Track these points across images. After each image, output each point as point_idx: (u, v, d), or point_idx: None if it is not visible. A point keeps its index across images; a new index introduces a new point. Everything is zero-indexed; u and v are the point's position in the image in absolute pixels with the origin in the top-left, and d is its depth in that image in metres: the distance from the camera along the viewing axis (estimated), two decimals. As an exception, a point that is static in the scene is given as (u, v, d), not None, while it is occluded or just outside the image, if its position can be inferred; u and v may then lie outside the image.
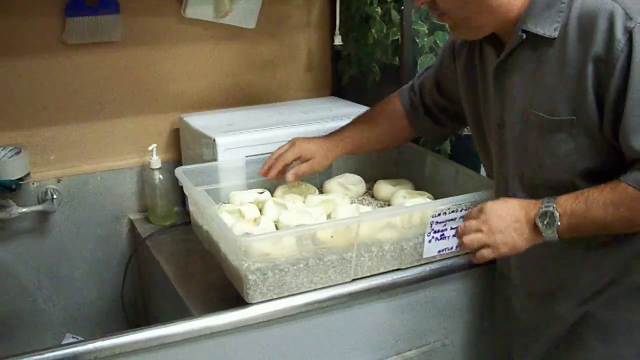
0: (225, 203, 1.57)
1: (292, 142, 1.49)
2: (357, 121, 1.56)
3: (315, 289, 1.28)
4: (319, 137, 1.52)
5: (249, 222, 1.38)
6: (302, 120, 1.74)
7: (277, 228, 1.37)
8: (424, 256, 1.38)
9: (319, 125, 1.70)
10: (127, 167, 1.87)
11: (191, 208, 1.53)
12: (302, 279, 1.26)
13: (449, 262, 1.41)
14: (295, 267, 1.25)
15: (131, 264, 1.85)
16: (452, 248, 1.38)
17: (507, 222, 1.12)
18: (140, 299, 1.97)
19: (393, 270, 1.37)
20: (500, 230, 1.12)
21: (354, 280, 1.33)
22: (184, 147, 1.87)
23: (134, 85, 1.83)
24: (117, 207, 1.88)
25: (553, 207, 1.09)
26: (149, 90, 1.85)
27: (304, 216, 1.37)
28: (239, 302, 1.25)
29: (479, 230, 1.14)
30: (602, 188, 1.07)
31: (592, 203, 1.07)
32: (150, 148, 1.78)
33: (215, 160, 1.61)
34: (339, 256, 1.29)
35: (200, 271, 1.52)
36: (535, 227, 1.11)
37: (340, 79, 2.07)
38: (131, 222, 1.89)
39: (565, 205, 1.09)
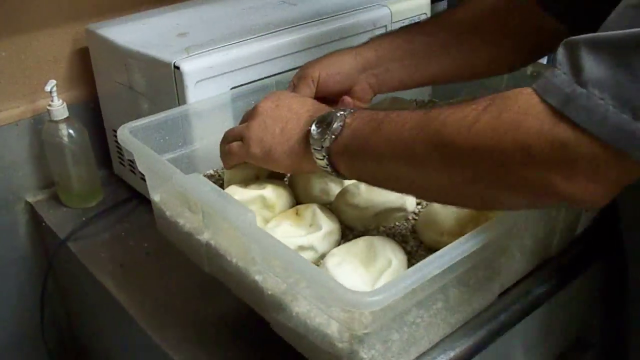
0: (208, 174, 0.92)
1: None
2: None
3: (456, 330, 0.72)
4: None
5: (297, 227, 0.77)
6: (288, 21, 1.07)
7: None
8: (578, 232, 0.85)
9: (320, 28, 1.05)
10: (10, 121, 1.12)
11: (156, 199, 0.87)
12: (439, 322, 0.69)
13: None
14: (434, 308, 0.67)
15: (46, 280, 1.16)
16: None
17: (280, 112, 0.77)
18: (66, 332, 1.29)
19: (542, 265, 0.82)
20: (262, 121, 0.77)
21: (500, 295, 0.77)
22: (100, 79, 1.15)
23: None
24: (3, 185, 1.16)
25: (343, 113, 0.70)
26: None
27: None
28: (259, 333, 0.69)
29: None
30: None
31: (397, 119, 0.65)
32: (47, 87, 1.05)
33: (177, 101, 0.94)
34: (488, 268, 0.72)
35: (175, 287, 0.90)
36: (307, 134, 0.72)
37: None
38: (31, 208, 1.18)
39: (361, 116, 0.69)
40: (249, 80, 0.98)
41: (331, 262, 0.69)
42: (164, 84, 0.95)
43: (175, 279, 0.93)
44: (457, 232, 0.72)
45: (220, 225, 0.73)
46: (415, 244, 0.77)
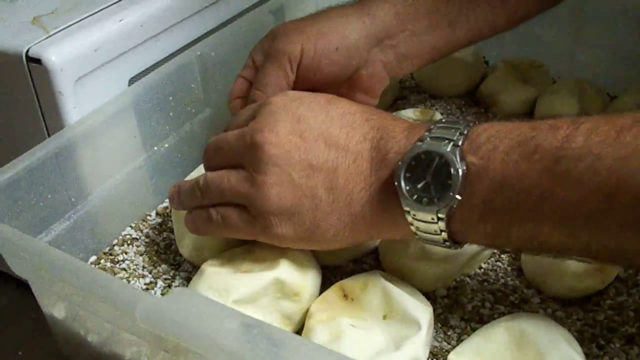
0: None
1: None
2: None
3: None
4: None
5: (366, 329, 0.42)
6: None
7: None
8: None
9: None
10: None
11: (58, 315, 0.46)
12: None
13: None
14: None
15: None
16: None
17: (312, 146, 0.43)
18: None
19: None
20: (283, 170, 0.42)
21: None
22: None
23: None
24: None
25: (452, 139, 0.39)
26: None
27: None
28: None
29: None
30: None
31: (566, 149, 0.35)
32: None
33: (43, 123, 0.53)
34: None
35: None
36: (385, 187, 0.41)
37: None
38: None
39: (501, 140, 0.38)
40: (154, 61, 0.58)
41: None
42: (12, 95, 0.52)
43: None
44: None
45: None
46: (531, 293, 0.48)
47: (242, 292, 0.43)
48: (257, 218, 0.42)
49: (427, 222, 0.39)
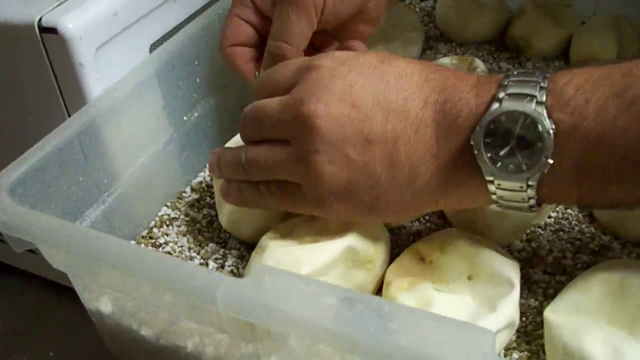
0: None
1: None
2: None
3: None
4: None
5: (453, 293, 0.39)
6: None
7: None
8: None
9: None
10: None
11: (105, 310, 0.42)
12: None
13: None
14: None
15: None
16: None
17: (363, 114, 0.38)
18: None
19: None
20: (334, 142, 0.37)
21: None
22: None
23: None
24: None
25: (535, 93, 0.35)
26: None
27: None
28: None
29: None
30: None
31: None
32: None
33: (61, 99, 0.48)
34: None
35: None
36: (459, 159, 0.37)
37: None
38: None
39: (592, 91, 0.34)
40: (175, 25, 0.53)
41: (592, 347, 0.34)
42: (23, 71, 0.47)
43: None
44: None
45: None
46: (608, 239, 0.45)
47: (314, 265, 0.39)
48: (310, 196, 0.38)
49: (514, 190, 0.35)
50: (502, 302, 0.38)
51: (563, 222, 0.47)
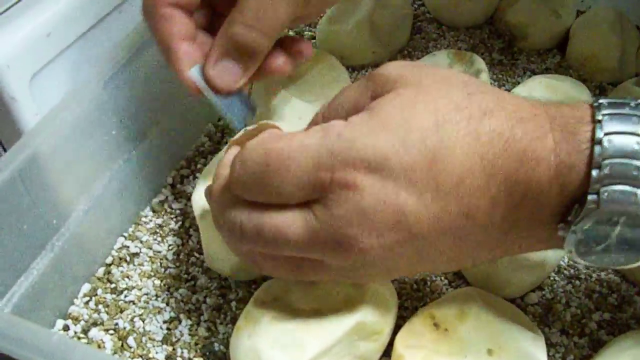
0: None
1: None
2: None
3: None
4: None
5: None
6: None
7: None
8: None
9: None
10: None
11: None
12: None
13: None
14: None
15: None
16: None
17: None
18: None
19: None
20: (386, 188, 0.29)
21: None
22: None
23: None
24: None
25: None
26: None
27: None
28: None
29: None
30: None
31: None
32: None
33: (9, 125, 0.38)
34: None
35: None
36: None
37: None
38: None
39: None
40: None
41: None
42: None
43: None
44: None
45: None
46: (626, 287, 0.41)
47: (320, 346, 0.33)
48: (338, 272, 0.32)
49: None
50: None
51: (578, 264, 0.43)
